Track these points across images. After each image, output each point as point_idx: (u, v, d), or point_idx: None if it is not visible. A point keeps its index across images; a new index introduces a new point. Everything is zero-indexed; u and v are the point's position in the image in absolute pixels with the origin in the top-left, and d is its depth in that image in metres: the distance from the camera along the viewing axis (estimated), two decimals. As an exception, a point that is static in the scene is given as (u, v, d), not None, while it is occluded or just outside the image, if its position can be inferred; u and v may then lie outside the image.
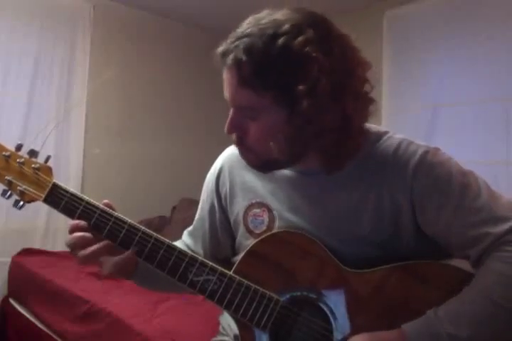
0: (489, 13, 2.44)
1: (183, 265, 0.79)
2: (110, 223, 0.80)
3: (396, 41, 2.79)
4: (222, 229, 0.97)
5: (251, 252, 0.82)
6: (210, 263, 0.80)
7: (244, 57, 0.72)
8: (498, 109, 2.40)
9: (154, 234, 0.81)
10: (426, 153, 0.79)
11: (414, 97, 2.71)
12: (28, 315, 2.31)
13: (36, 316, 2.26)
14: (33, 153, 0.84)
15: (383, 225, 0.79)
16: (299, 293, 0.79)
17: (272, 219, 0.86)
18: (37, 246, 2.74)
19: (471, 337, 0.68)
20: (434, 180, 0.77)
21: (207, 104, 3.54)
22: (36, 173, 0.82)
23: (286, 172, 0.86)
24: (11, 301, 2.47)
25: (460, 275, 0.76)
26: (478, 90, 2.47)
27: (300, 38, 0.71)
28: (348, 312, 0.77)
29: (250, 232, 0.89)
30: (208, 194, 0.99)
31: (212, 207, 0.97)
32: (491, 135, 2.40)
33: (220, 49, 0.77)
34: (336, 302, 0.77)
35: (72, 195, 0.81)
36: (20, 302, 2.42)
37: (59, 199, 0.81)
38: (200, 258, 0.80)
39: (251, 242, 0.86)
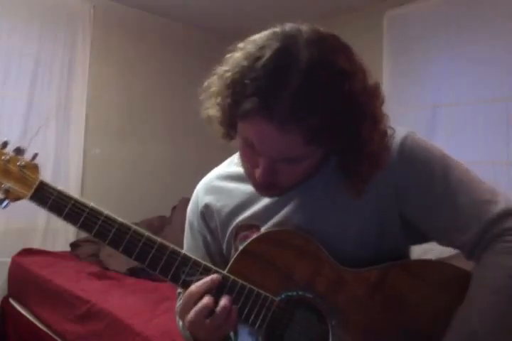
0: (489, 13, 2.44)
1: (176, 264, 0.77)
2: (100, 222, 0.77)
3: (396, 41, 2.79)
4: (221, 261, 0.94)
5: (245, 251, 0.79)
6: (204, 262, 0.78)
7: (309, 116, 0.63)
8: (498, 109, 2.40)
9: (146, 232, 0.78)
10: (405, 138, 0.77)
11: (414, 97, 2.71)
12: (28, 315, 2.31)
13: (36, 316, 2.26)
14: (19, 151, 0.81)
15: (369, 225, 0.78)
16: (294, 293, 0.77)
17: None
18: (37, 246, 2.75)
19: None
20: (418, 166, 0.76)
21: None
22: (22, 171, 0.79)
23: None
24: (11, 301, 2.47)
25: (457, 273, 0.76)
26: (478, 90, 2.47)
27: (353, 80, 0.65)
28: (344, 311, 0.75)
29: None
30: (196, 231, 0.95)
31: (205, 242, 0.94)
32: (491, 135, 2.41)
33: (255, 102, 0.64)
34: (332, 302, 0.76)
35: (60, 192, 0.78)
36: (20, 302, 2.42)
37: (46, 197, 0.78)
38: (193, 257, 0.78)
39: None
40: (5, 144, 0.81)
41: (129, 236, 0.77)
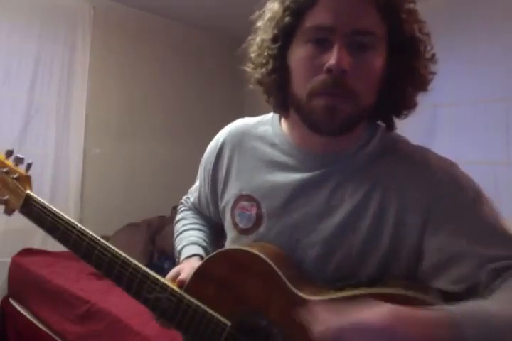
0: (490, 14, 2.44)
1: (137, 281, 0.78)
2: (73, 235, 0.81)
3: (396, 41, 2.79)
4: (215, 215, 0.94)
5: (199, 272, 0.77)
6: (162, 280, 0.77)
7: None
8: (498, 109, 2.40)
9: (112, 247, 0.80)
10: (449, 170, 0.72)
11: (414, 97, 2.70)
12: (28, 315, 2.31)
13: (36, 316, 2.26)
14: (18, 160, 0.85)
15: (381, 237, 0.71)
16: (248, 318, 0.72)
17: (259, 217, 0.79)
18: (37, 246, 2.74)
19: None
20: (458, 201, 0.69)
21: (207, 103, 3.55)
22: (15, 183, 0.84)
23: (290, 165, 0.79)
24: (11, 301, 2.47)
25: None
26: (478, 90, 2.47)
27: None
28: None
29: (235, 225, 0.82)
30: (204, 175, 0.93)
31: (212, 187, 0.91)
32: (491, 135, 2.40)
33: None
34: (286, 331, 0.68)
35: (42, 206, 0.83)
36: (21, 302, 2.42)
37: (31, 210, 0.83)
38: (152, 275, 0.78)
39: (235, 235, 0.82)
40: (9, 153, 0.85)
41: (97, 251, 0.80)
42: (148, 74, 3.36)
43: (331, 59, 0.66)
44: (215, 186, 0.90)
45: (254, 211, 0.80)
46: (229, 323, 0.73)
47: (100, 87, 3.11)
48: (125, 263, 0.79)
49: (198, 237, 0.97)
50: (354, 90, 0.68)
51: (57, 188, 2.85)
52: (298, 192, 0.77)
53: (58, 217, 0.82)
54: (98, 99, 3.10)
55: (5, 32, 2.68)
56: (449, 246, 0.67)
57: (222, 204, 0.87)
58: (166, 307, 0.76)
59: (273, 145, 0.82)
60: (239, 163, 0.85)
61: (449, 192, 0.70)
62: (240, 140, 0.86)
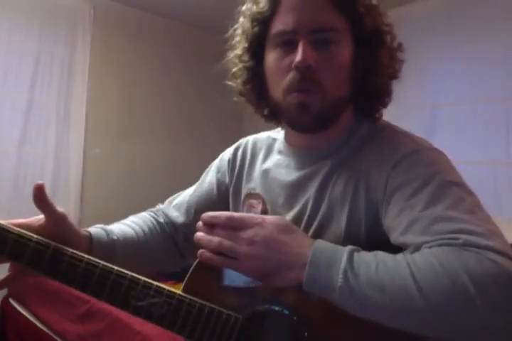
0: (489, 13, 2.44)
1: (122, 290, 0.66)
2: (31, 244, 0.65)
3: (396, 41, 2.79)
4: (225, 207, 0.94)
5: (200, 264, 0.71)
6: (155, 283, 0.68)
7: None
8: (498, 109, 2.40)
9: (86, 256, 0.67)
10: (414, 151, 0.71)
11: (414, 97, 2.71)
12: (28, 315, 2.31)
13: (36, 316, 2.26)
14: None
15: (360, 228, 0.71)
16: (260, 307, 0.69)
17: (264, 213, 0.82)
18: (37, 246, 2.74)
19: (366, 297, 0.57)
20: (408, 180, 0.66)
21: (207, 103, 3.55)
22: None
23: (289, 165, 0.83)
24: (11, 301, 2.47)
25: None
26: (478, 90, 2.47)
27: None
28: (317, 322, 0.67)
29: None
30: (218, 171, 0.97)
31: (220, 185, 0.96)
32: (491, 135, 2.41)
33: None
34: (302, 313, 0.68)
35: None
36: (20, 302, 2.42)
37: None
38: (142, 279, 0.68)
39: None
40: None
41: (65, 263, 0.66)
42: (148, 74, 3.36)
43: (297, 56, 0.70)
44: (231, 182, 0.94)
45: (259, 208, 0.83)
46: (240, 316, 0.69)
47: (100, 87, 3.12)
48: (105, 271, 0.67)
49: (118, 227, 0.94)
50: (322, 84, 0.72)
51: (57, 188, 2.85)
52: (293, 190, 0.80)
53: (7, 231, 0.65)
54: (98, 99, 3.10)
55: (5, 32, 2.69)
56: (395, 224, 0.65)
57: (232, 201, 0.92)
58: (164, 312, 0.67)
59: (280, 151, 0.87)
60: (248, 167, 0.91)
61: (402, 174, 0.68)
62: (253, 147, 0.93)
